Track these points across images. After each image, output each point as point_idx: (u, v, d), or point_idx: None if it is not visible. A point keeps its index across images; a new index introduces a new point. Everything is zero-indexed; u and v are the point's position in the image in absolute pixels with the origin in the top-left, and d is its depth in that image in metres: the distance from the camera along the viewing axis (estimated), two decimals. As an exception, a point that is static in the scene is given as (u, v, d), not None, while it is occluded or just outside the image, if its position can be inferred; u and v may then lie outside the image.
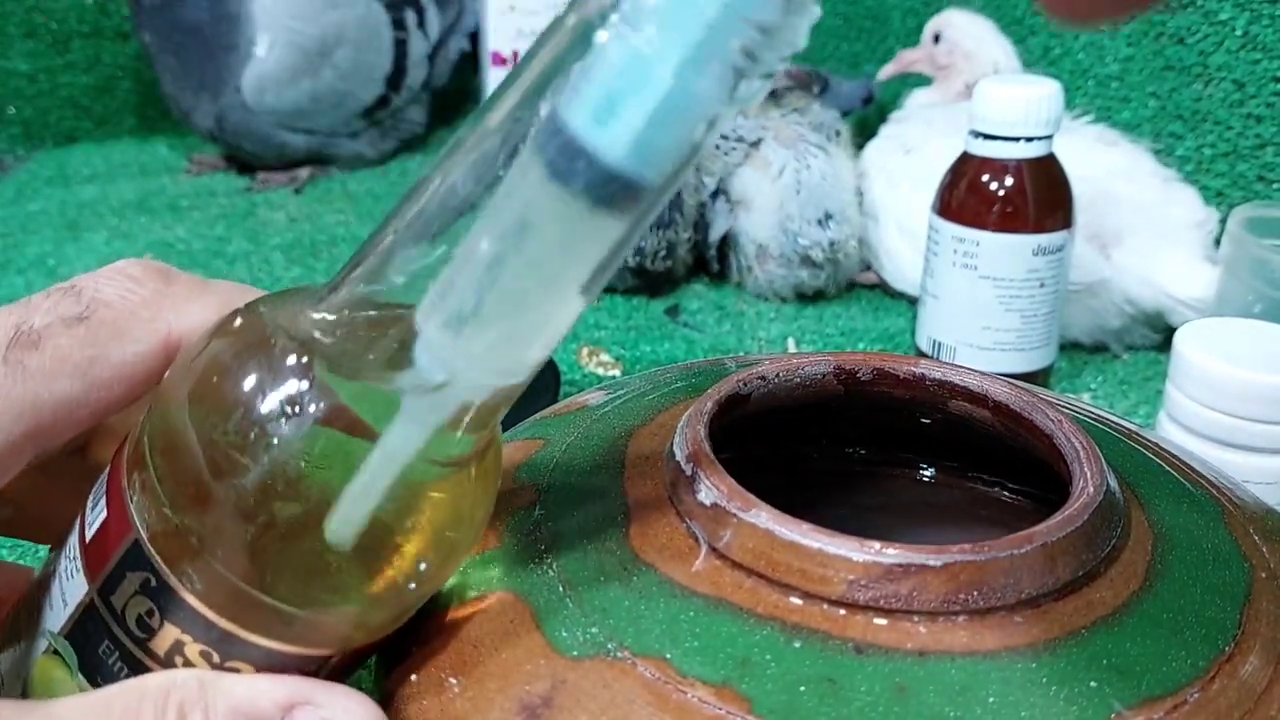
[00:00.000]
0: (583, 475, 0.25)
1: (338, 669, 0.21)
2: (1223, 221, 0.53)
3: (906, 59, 0.69)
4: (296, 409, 0.18)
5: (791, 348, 0.58)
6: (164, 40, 0.78)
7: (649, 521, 0.23)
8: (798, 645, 0.19)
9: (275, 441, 0.18)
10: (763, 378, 0.26)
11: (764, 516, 0.21)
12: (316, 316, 0.19)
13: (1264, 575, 0.22)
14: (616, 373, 0.54)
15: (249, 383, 0.18)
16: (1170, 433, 0.39)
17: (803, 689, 0.19)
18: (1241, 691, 0.19)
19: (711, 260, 0.64)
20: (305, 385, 0.18)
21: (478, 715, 0.20)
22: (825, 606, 0.20)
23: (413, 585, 0.20)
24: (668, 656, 0.20)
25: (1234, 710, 0.19)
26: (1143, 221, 0.55)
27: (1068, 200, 0.50)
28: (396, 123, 0.87)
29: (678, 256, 0.62)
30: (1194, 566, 0.22)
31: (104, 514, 0.20)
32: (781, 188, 0.61)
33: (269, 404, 0.18)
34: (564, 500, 0.24)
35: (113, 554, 0.19)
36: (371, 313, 0.18)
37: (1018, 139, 0.48)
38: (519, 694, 0.20)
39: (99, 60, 0.93)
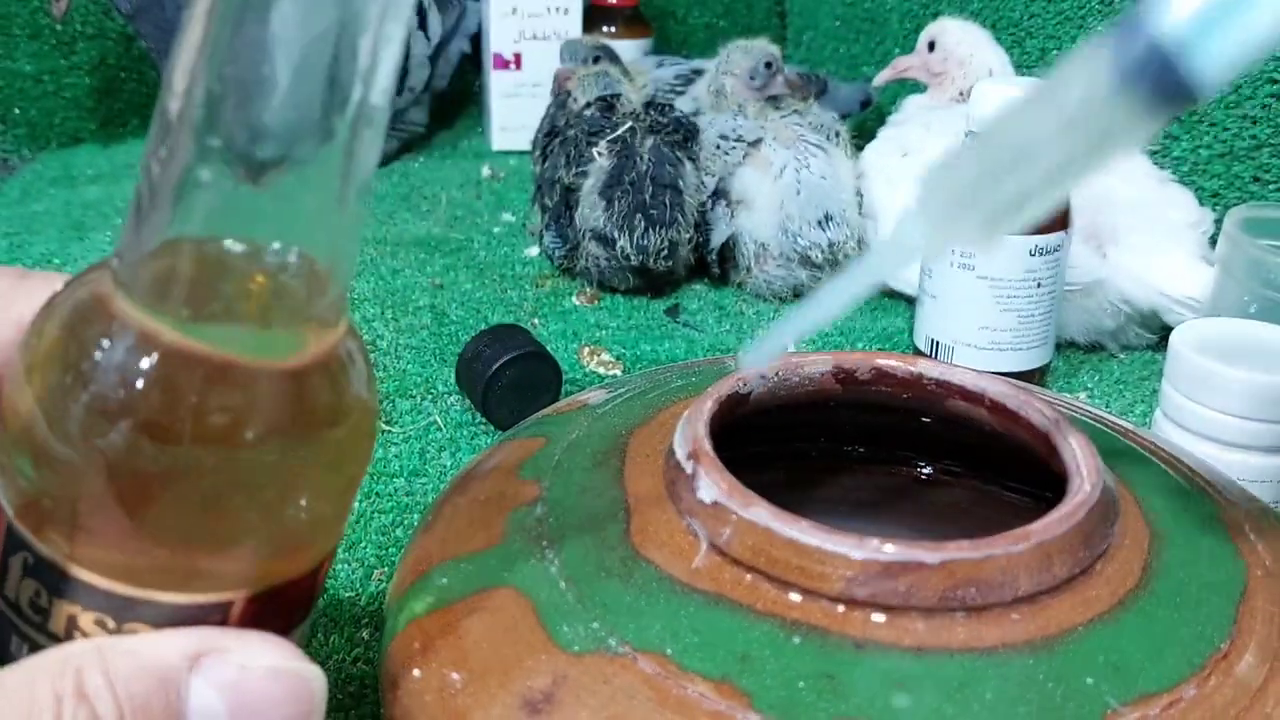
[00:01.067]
0: (584, 473, 0.25)
1: (248, 617, 0.20)
2: (1218, 222, 0.53)
3: (901, 65, 0.69)
4: (126, 355, 0.18)
5: (791, 347, 0.58)
6: (163, 43, 0.78)
7: (649, 518, 0.23)
8: (797, 641, 0.20)
9: (112, 390, 0.18)
10: (763, 377, 0.27)
11: (763, 514, 0.21)
12: (116, 264, 0.19)
13: (1259, 573, 0.23)
14: (617, 372, 0.54)
15: (76, 341, 0.18)
16: (1166, 432, 0.39)
17: (801, 684, 0.19)
18: (1237, 689, 0.20)
19: (713, 264, 0.64)
20: (128, 331, 0.18)
21: (480, 710, 0.20)
22: (824, 603, 0.20)
23: (303, 511, 0.19)
24: (668, 652, 0.20)
25: (1230, 707, 0.19)
26: (1139, 222, 0.55)
27: (1065, 201, 0.50)
28: (397, 124, 0.87)
29: (679, 256, 0.62)
30: (1190, 565, 0.22)
31: None
32: (781, 188, 0.61)
33: (98, 355, 0.18)
34: (565, 497, 0.24)
35: None
36: (168, 256, 0.18)
37: (1016, 140, 0.48)
38: (521, 689, 0.20)
39: (103, 61, 0.93)
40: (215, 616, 0.19)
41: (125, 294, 0.18)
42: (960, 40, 0.65)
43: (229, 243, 0.19)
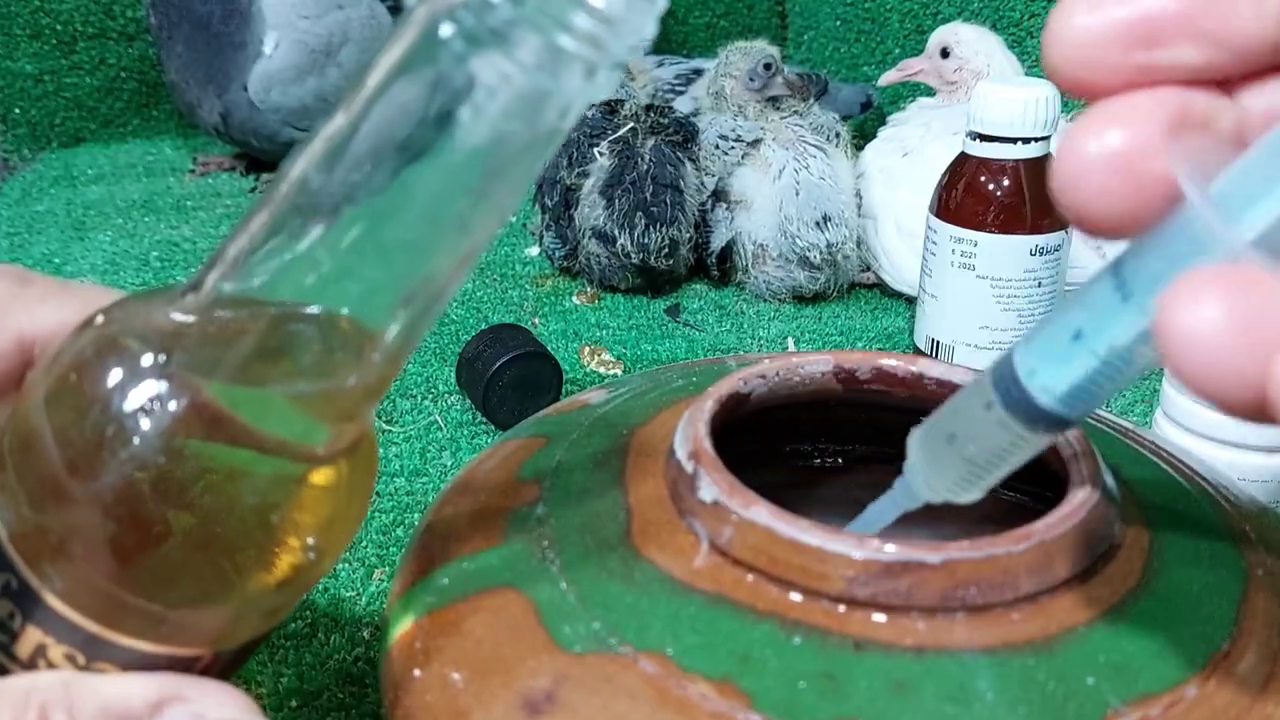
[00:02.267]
0: (585, 473, 0.25)
1: (211, 670, 0.20)
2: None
3: (911, 67, 0.69)
4: (156, 406, 0.18)
5: (791, 347, 0.58)
6: (172, 27, 0.78)
7: (650, 518, 0.23)
8: (797, 641, 0.20)
9: (134, 439, 0.18)
10: (763, 376, 0.27)
11: (764, 514, 0.21)
12: (177, 317, 0.19)
13: (1260, 573, 0.23)
14: (617, 371, 0.54)
15: (107, 381, 0.18)
16: (1167, 431, 0.39)
17: (802, 685, 0.19)
18: (1238, 689, 0.20)
19: (712, 267, 0.64)
20: (164, 384, 0.18)
21: (481, 710, 0.20)
22: (825, 603, 0.20)
23: (282, 583, 0.20)
24: (669, 652, 0.20)
25: (1230, 707, 0.19)
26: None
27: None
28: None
29: (679, 255, 0.62)
30: (1190, 564, 0.22)
31: None
32: (780, 189, 0.61)
33: (127, 401, 0.18)
34: (566, 497, 0.24)
35: None
36: (233, 312, 0.18)
37: (1015, 140, 0.49)
38: (522, 689, 0.20)
39: (104, 61, 0.93)
40: (183, 668, 0.20)
41: (179, 345, 0.18)
42: (977, 50, 0.65)
43: (298, 314, 0.18)
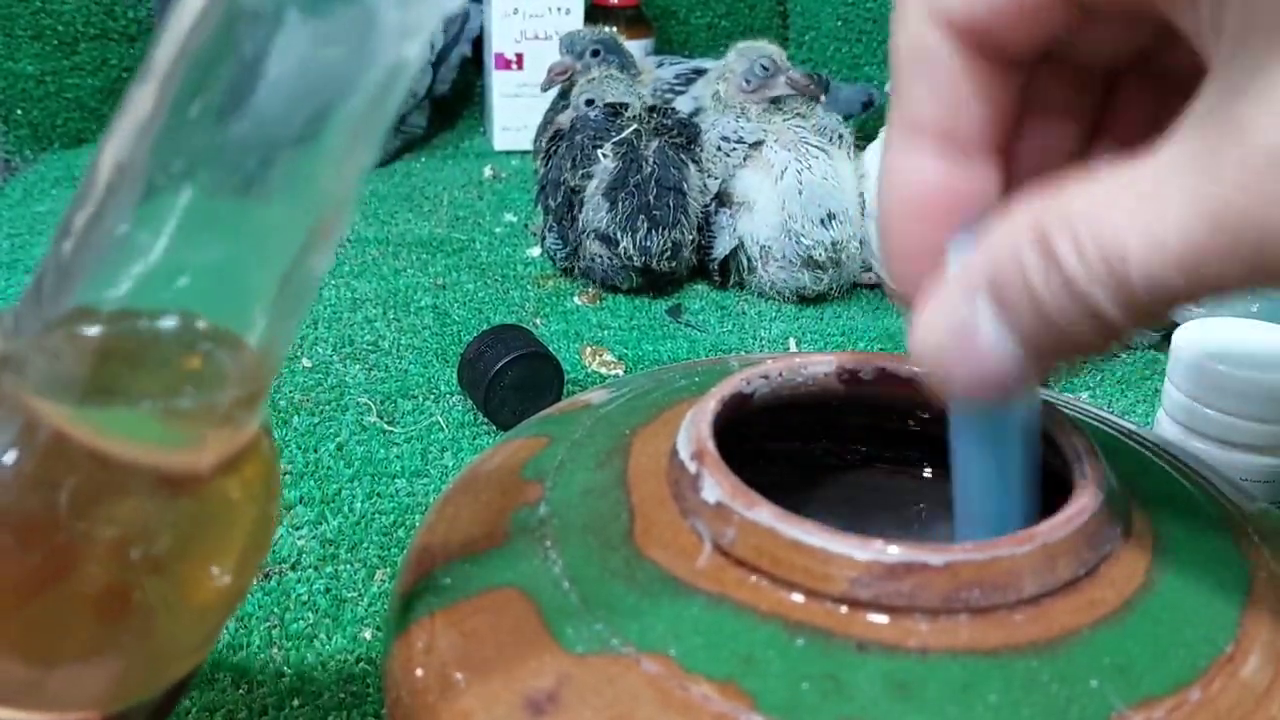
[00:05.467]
0: (587, 473, 0.25)
1: None
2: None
3: None
4: None
5: (793, 347, 0.58)
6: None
7: (653, 519, 0.23)
8: (800, 643, 0.20)
9: None
10: (765, 377, 0.27)
11: (767, 515, 0.21)
12: (6, 331, 0.16)
13: (1264, 575, 0.23)
14: (619, 372, 0.54)
15: None
16: (1169, 432, 0.39)
17: (805, 686, 0.19)
18: (1242, 692, 0.20)
19: (713, 272, 0.64)
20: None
21: (483, 711, 0.20)
22: (828, 604, 0.20)
23: (173, 631, 0.18)
24: (671, 653, 0.20)
25: (1234, 710, 0.19)
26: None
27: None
28: (398, 127, 0.87)
29: (681, 258, 0.62)
30: (1194, 566, 0.22)
31: None
32: (783, 189, 0.61)
33: None
34: (568, 498, 0.24)
35: None
36: (72, 328, 0.16)
37: (1019, 141, 0.48)
38: (524, 689, 0.20)
39: (106, 62, 0.93)
40: None
41: (13, 369, 0.16)
42: None
43: (143, 320, 0.16)
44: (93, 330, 0.16)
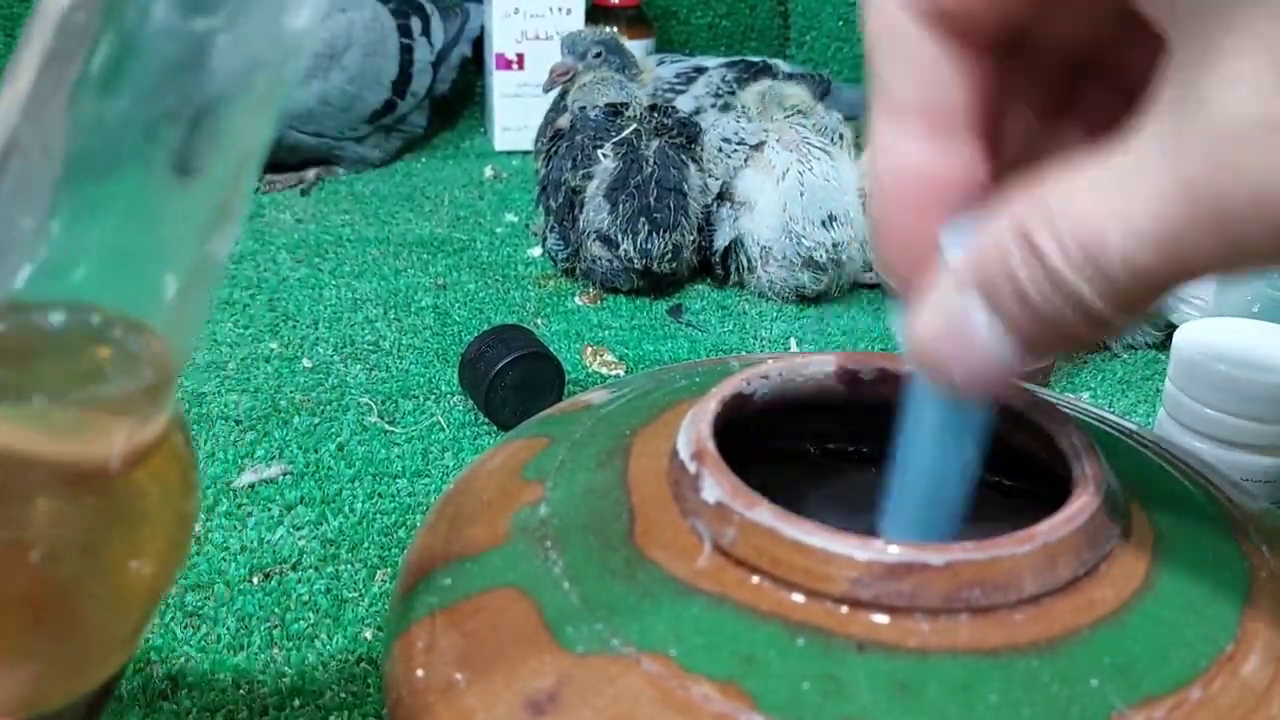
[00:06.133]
0: (587, 473, 0.25)
1: None
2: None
3: None
4: None
5: (793, 348, 0.58)
6: None
7: (653, 519, 0.23)
8: (801, 643, 0.20)
9: None
10: (766, 377, 0.27)
11: (767, 515, 0.21)
12: None
13: (1264, 575, 0.23)
14: (620, 372, 0.54)
15: None
16: (1170, 432, 0.39)
17: (806, 686, 0.19)
18: (1242, 691, 0.20)
19: (716, 266, 0.64)
20: None
21: (483, 711, 0.20)
22: (828, 604, 0.20)
23: (90, 630, 0.17)
24: (672, 653, 0.20)
25: (1235, 709, 0.19)
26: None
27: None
28: (398, 128, 0.88)
29: (682, 259, 0.62)
30: (1194, 566, 0.22)
31: None
32: (784, 190, 0.61)
33: None
34: (569, 498, 0.24)
35: None
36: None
37: (1020, 140, 0.48)
38: (525, 689, 0.20)
39: (104, 62, 0.93)
40: None
41: None
42: None
43: (40, 312, 0.15)
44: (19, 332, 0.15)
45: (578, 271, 0.64)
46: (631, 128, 0.62)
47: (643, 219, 0.60)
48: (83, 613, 0.17)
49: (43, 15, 0.15)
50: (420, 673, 0.21)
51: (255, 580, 0.37)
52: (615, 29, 0.92)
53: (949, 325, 0.20)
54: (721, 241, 0.63)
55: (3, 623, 0.16)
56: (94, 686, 0.18)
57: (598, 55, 0.71)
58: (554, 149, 0.65)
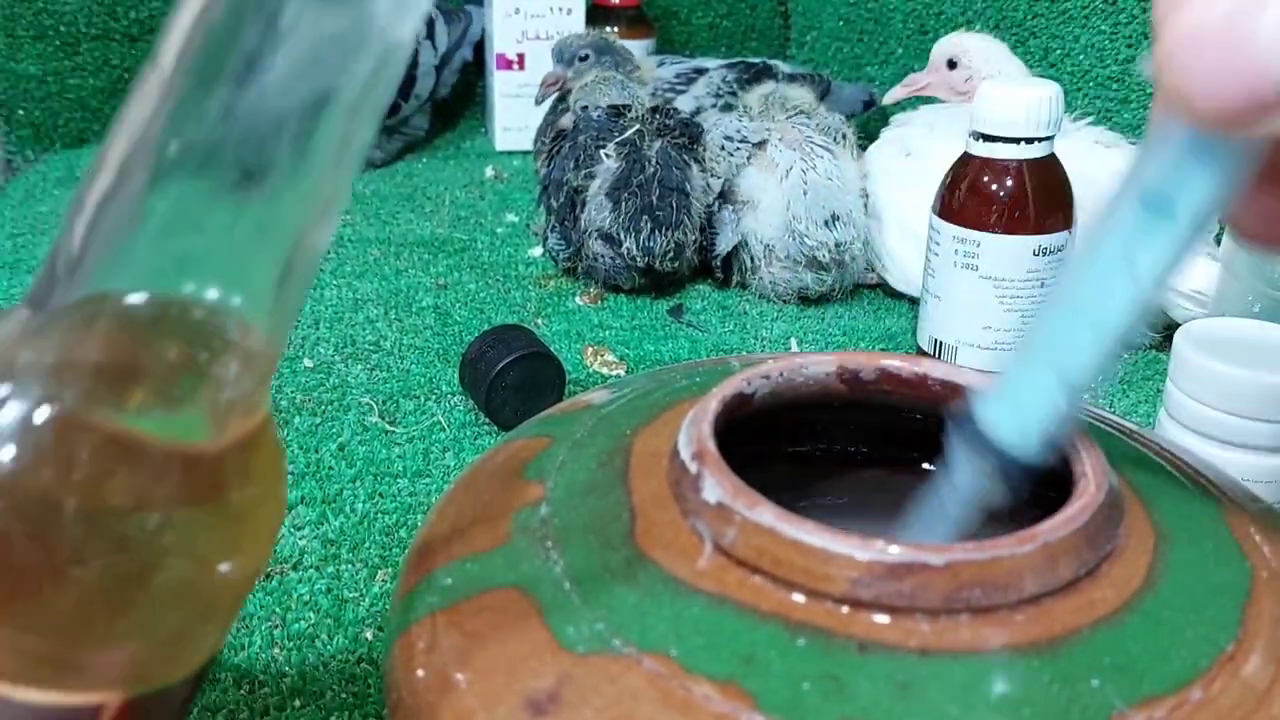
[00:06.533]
0: (588, 473, 0.25)
1: None
2: (1222, 222, 0.53)
3: (918, 82, 0.68)
4: (16, 432, 0.16)
5: (794, 348, 0.58)
6: None
7: (654, 519, 0.23)
8: (801, 643, 0.20)
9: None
10: (766, 377, 0.27)
11: (768, 515, 0.21)
12: (20, 336, 0.16)
13: (1265, 575, 0.23)
14: (620, 372, 0.54)
15: None
16: (1170, 432, 0.39)
17: (806, 686, 0.19)
18: (1243, 691, 0.20)
19: (717, 269, 0.64)
20: (20, 406, 0.16)
21: (484, 711, 0.20)
22: (829, 604, 0.20)
23: (194, 610, 0.18)
24: (672, 653, 0.20)
25: (1236, 709, 0.19)
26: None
27: (1068, 201, 0.50)
28: (400, 129, 0.88)
29: (684, 258, 0.62)
30: (1195, 566, 0.22)
31: None
32: (787, 189, 0.61)
33: None
34: (569, 497, 0.24)
35: None
36: (84, 319, 0.16)
37: (1019, 140, 0.48)
38: (525, 689, 0.20)
39: (107, 62, 0.93)
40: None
41: (30, 352, 0.16)
42: (986, 58, 0.65)
43: (155, 304, 0.16)
44: (106, 315, 0.16)
45: (579, 271, 0.64)
46: (634, 128, 0.62)
47: (645, 217, 0.60)
48: (184, 592, 0.17)
49: (174, 27, 0.16)
50: (421, 673, 0.21)
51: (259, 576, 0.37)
52: (615, 29, 0.92)
53: (1226, 19, 0.15)
54: (724, 246, 0.63)
55: (113, 597, 0.16)
56: (185, 674, 0.18)
57: (584, 59, 0.71)
58: (556, 149, 0.65)
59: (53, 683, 0.17)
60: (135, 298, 0.16)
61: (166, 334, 0.17)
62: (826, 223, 0.60)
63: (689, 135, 0.63)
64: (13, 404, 0.16)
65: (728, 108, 0.70)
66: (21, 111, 0.92)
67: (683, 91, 0.76)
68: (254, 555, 0.19)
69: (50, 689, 0.17)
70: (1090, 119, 0.61)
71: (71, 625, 0.16)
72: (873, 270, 0.64)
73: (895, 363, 0.27)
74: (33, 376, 0.16)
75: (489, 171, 0.85)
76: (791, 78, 0.77)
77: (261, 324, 0.17)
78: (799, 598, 0.20)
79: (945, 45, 0.67)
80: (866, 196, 0.63)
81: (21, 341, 0.16)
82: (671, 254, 0.61)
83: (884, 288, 0.65)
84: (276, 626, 0.35)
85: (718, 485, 0.22)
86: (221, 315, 0.17)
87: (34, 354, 0.16)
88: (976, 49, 0.65)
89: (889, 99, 0.71)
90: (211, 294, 0.17)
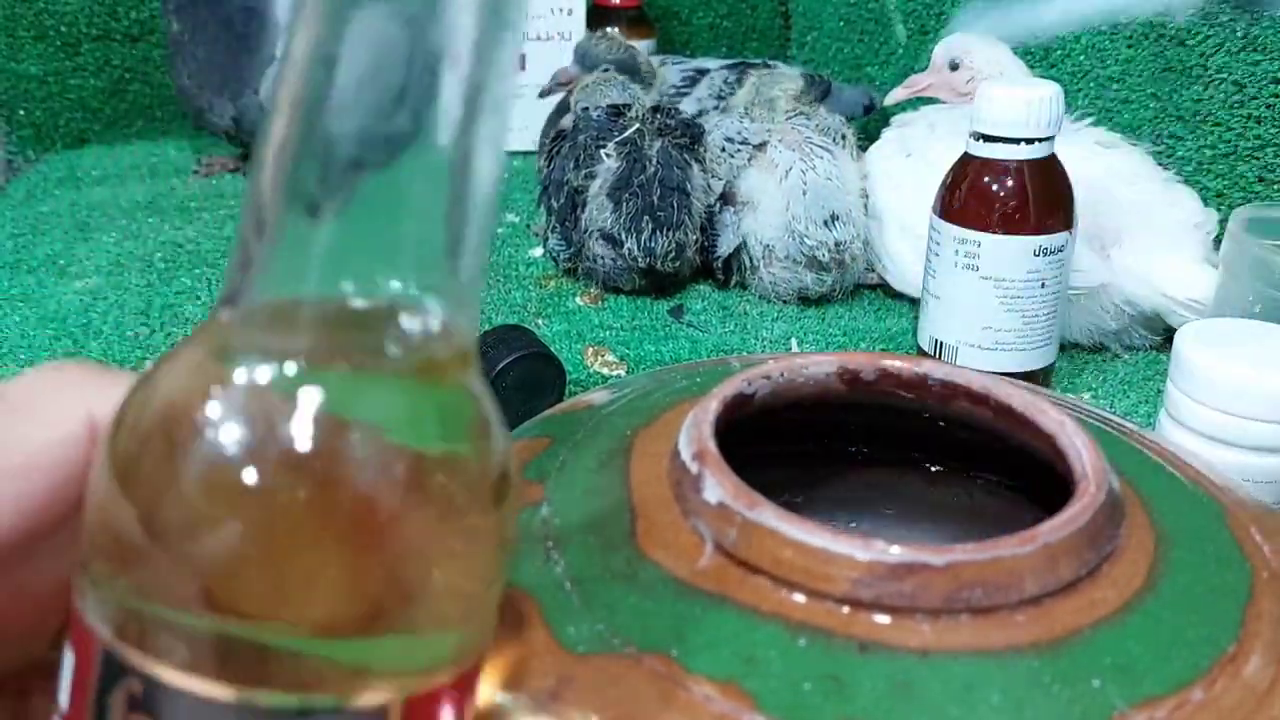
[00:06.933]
0: (588, 473, 0.25)
1: None
2: (1223, 223, 0.53)
3: (919, 84, 0.68)
4: (280, 427, 0.15)
5: (794, 348, 0.58)
6: (197, 30, 0.78)
7: (654, 519, 0.23)
8: (802, 643, 0.20)
9: (258, 444, 0.15)
10: (767, 377, 0.27)
11: (769, 515, 0.21)
12: (234, 337, 0.16)
13: (1265, 575, 0.23)
14: (621, 372, 0.54)
15: (213, 420, 0.15)
16: (1171, 432, 0.39)
17: (807, 686, 0.19)
18: (1244, 691, 0.20)
19: (717, 271, 0.64)
20: (275, 401, 0.15)
21: (485, 711, 0.20)
22: (829, 605, 0.20)
23: (467, 595, 0.17)
24: (673, 653, 0.20)
25: (1236, 710, 0.19)
26: (1142, 223, 0.55)
27: (1069, 201, 0.50)
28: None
29: (685, 258, 0.62)
30: (1195, 566, 0.22)
31: (71, 660, 0.16)
32: (787, 189, 0.61)
33: (245, 432, 0.15)
34: (570, 498, 0.24)
35: (88, 691, 0.16)
36: (288, 315, 0.16)
37: (1019, 141, 0.49)
38: (526, 689, 0.20)
39: (108, 63, 0.93)
40: None
41: (258, 366, 0.15)
42: (988, 59, 0.65)
43: (332, 300, 0.16)
44: (309, 314, 0.16)
45: (579, 272, 0.64)
46: (634, 128, 0.62)
47: (646, 218, 0.60)
48: (484, 573, 0.17)
49: (304, 25, 0.15)
50: (422, 673, 0.21)
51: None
52: (617, 29, 0.93)
53: None
54: (725, 248, 0.63)
55: (404, 578, 0.15)
56: (464, 668, 0.17)
57: (605, 71, 0.70)
58: (556, 149, 0.65)
59: (344, 686, 0.15)
60: (322, 295, 0.16)
61: (378, 329, 0.16)
62: (826, 223, 0.60)
63: (690, 135, 0.63)
64: (261, 399, 0.15)
65: (729, 108, 0.70)
66: (22, 112, 0.92)
67: (686, 94, 0.76)
68: (511, 535, 0.18)
69: (342, 694, 0.15)
70: (1090, 119, 0.61)
71: (341, 614, 0.15)
72: (873, 270, 0.64)
73: (896, 363, 0.27)
74: (260, 372, 0.15)
75: (489, 172, 0.85)
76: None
77: (447, 313, 0.16)
78: (800, 598, 0.20)
79: (947, 46, 0.67)
80: (866, 196, 0.63)
81: (236, 340, 0.16)
82: (673, 254, 0.61)
83: (884, 288, 0.65)
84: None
85: (718, 485, 0.22)
86: (405, 308, 0.16)
87: (257, 355, 0.16)
88: (978, 49, 0.65)
89: (890, 100, 0.71)
90: (386, 288, 0.16)
